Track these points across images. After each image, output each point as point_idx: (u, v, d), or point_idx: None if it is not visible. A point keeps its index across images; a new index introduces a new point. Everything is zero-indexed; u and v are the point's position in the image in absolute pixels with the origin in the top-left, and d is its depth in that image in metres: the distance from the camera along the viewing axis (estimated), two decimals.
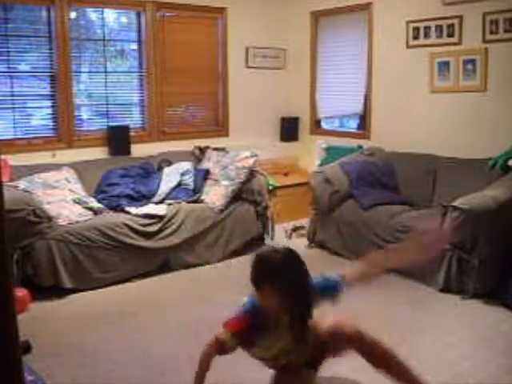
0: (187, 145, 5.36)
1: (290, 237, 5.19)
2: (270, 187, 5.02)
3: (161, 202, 4.48)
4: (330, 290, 2.26)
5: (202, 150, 5.30)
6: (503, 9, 4.32)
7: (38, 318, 3.39)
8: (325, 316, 2.29)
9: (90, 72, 5.05)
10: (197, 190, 4.72)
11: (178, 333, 3.21)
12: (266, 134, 6.12)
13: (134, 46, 5.29)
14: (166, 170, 4.87)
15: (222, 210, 4.57)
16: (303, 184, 5.37)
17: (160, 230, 4.21)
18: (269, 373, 2.76)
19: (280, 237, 5.11)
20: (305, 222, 5.13)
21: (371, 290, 3.80)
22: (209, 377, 2.73)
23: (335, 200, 4.65)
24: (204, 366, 2.27)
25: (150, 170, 4.93)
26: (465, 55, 4.64)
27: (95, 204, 4.27)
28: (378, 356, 2.23)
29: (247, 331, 2.17)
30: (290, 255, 2.14)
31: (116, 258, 3.99)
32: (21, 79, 4.63)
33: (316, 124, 6.19)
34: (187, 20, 5.49)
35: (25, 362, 2.19)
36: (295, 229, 5.28)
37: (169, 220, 4.27)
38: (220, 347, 2.21)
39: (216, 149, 5.23)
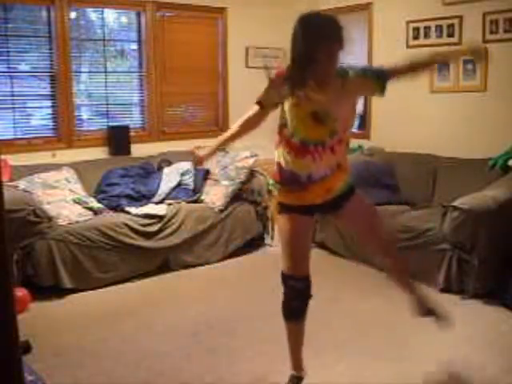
0: (187, 145, 5.35)
1: None
2: (270, 187, 5.01)
3: (161, 202, 4.48)
4: (376, 73, 2.39)
5: None
6: (503, 9, 4.33)
7: (38, 318, 3.39)
8: None
9: (90, 72, 5.05)
10: (197, 190, 4.72)
11: (178, 333, 3.21)
12: (266, 133, 6.09)
13: (134, 46, 5.29)
14: (166, 170, 4.87)
15: (221, 210, 4.57)
16: None
17: (160, 230, 4.21)
18: (267, 372, 2.76)
19: None
20: None
21: (371, 290, 3.81)
22: (208, 376, 2.74)
23: None
24: (244, 122, 2.56)
25: (150, 170, 4.93)
26: (465, 55, 4.63)
27: (95, 204, 4.27)
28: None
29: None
30: None
31: (116, 258, 3.99)
32: (21, 79, 4.63)
33: None
34: (187, 20, 5.49)
35: (25, 362, 2.19)
36: None
37: (169, 220, 4.27)
38: (259, 100, 2.49)
39: None
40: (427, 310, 2.72)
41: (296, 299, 2.48)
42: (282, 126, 2.43)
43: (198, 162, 2.65)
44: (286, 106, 2.38)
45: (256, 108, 2.51)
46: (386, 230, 2.68)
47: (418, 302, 2.72)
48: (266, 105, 2.47)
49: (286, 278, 2.47)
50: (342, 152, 2.41)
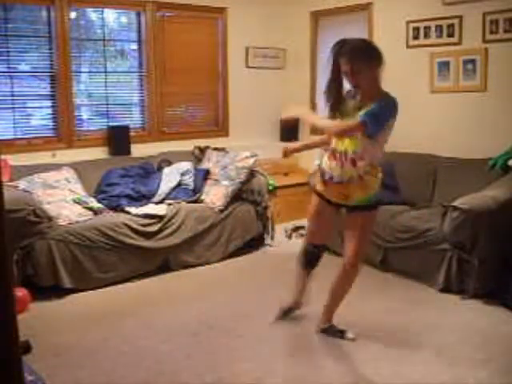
0: (187, 145, 5.35)
1: (289, 237, 5.19)
2: (270, 187, 5.02)
3: (161, 202, 4.48)
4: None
5: (202, 150, 5.30)
6: (503, 9, 4.33)
7: (38, 318, 3.39)
8: None
9: (89, 72, 5.05)
10: (197, 190, 4.72)
11: (178, 333, 3.21)
12: (266, 134, 6.12)
13: (134, 46, 5.29)
14: (166, 170, 4.86)
15: (221, 210, 4.57)
16: (303, 184, 5.37)
17: (160, 230, 4.21)
18: (267, 372, 2.77)
19: (280, 237, 5.12)
20: (305, 222, 5.12)
21: (372, 290, 3.81)
22: (208, 376, 2.74)
23: None
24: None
25: (150, 170, 4.92)
26: (465, 55, 4.64)
27: (95, 204, 4.27)
28: None
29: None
30: None
31: (116, 258, 3.99)
32: (21, 79, 4.63)
33: None
34: (187, 20, 5.49)
35: (25, 362, 2.19)
36: (295, 229, 5.28)
37: (169, 220, 4.27)
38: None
39: (216, 149, 5.23)
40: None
41: (305, 257, 3.24)
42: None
43: (286, 152, 3.29)
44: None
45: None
46: (355, 255, 3.02)
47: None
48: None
49: (305, 242, 3.29)
50: (363, 168, 2.84)
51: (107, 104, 5.09)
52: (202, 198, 4.68)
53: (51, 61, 4.72)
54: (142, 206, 4.35)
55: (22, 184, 4.01)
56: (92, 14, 5.03)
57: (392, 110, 2.80)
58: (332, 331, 3.15)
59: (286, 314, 3.35)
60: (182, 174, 4.80)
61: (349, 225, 3.03)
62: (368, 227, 3.05)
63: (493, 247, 3.59)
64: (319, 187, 3.04)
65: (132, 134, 5.13)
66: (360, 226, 2.97)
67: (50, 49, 4.71)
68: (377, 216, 3.08)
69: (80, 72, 4.97)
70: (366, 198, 2.90)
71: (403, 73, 5.12)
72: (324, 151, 3.08)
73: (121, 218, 4.12)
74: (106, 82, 5.06)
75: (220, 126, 5.85)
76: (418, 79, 5.01)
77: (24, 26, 4.57)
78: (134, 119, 5.30)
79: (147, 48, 5.22)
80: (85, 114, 5.06)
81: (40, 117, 4.81)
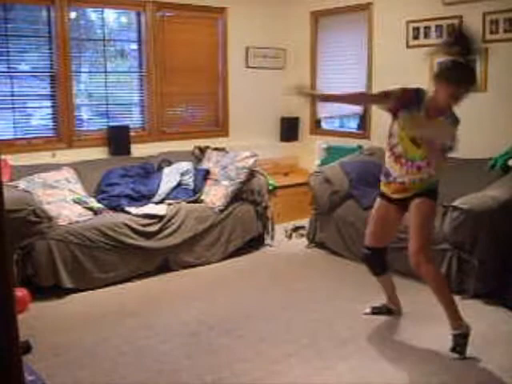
0: (187, 145, 5.35)
1: (289, 237, 5.19)
2: (270, 187, 5.02)
3: (161, 202, 4.48)
4: None
5: (202, 150, 5.30)
6: (503, 9, 4.33)
7: (38, 318, 3.39)
8: None
9: (90, 72, 5.05)
10: (197, 190, 4.72)
11: (178, 333, 3.21)
12: (266, 134, 6.12)
13: (134, 46, 5.29)
14: (166, 170, 4.86)
15: (221, 210, 4.57)
16: (303, 184, 5.37)
17: (160, 230, 4.21)
18: (267, 372, 2.76)
19: (280, 237, 5.12)
20: (305, 222, 5.14)
21: (372, 291, 3.81)
22: (208, 376, 2.74)
23: (335, 200, 4.65)
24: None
25: (149, 170, 4.93)
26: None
27: (95, 204, 4.27)
28: None
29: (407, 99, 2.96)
30: None
31: (116, 258, 3.99)
32: (21, 79, 4.63)
33: (316, 124, 6.19)
34: (187, 20, 5.49)
35: (25, 362, 2.19)
36: (295, 229, 5.28)
37: (169, 220, 4.27)
38: (387, 92, 2.99)
39: (216, 149, 5.23)
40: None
41: (365, 262, 3.38)
42: (389, 136, 3.05)
43: (299, 87, 3.06)
44: (396, 124, 2.99)
45: (379, 92, 3.05)
46: (417, 252, 3.10)
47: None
48: (390, 97, 2.96)
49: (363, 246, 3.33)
50: (427, 171, 2.98)
51: (107, 104, 5.09)
52: (202, 197, 4.68)
53: (51, 61, 4.72)
54: (142, 206, 4.35)
55: (22, 184, 4.01)
56: (92, 14, 5.03)
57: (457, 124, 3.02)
58: None
59: (381, 312, 3.47)
60: (182, 174, 4.80)
61: (409, 217, 3.10)
62: (423, 215, 3.04)
63: (493, 247, 3.59)
64: (382, 187, 3.18)
65: (132, 134, 5.13)
66: (416, 214, 3.03)
67: (50, 49, 4.71)
68: (433, 210, 3.09)
69: (80, 72, 4.97)
70: (421, 188, 3.01)
71: (403, 73, 5.12)
72: (387, 151, 3.12)
73: (121, 218, 4.12)
74: (105, 82, 5.06)
75: (220, 126, 5.85)
76: (418, 79, 4.99)
77: (24, 26, 4.57)
78: (133, 119, 5.30)
79: (147, 48, 5.23)
80: (85, 113, 5.06)
81: (40, 117, 4.81)
